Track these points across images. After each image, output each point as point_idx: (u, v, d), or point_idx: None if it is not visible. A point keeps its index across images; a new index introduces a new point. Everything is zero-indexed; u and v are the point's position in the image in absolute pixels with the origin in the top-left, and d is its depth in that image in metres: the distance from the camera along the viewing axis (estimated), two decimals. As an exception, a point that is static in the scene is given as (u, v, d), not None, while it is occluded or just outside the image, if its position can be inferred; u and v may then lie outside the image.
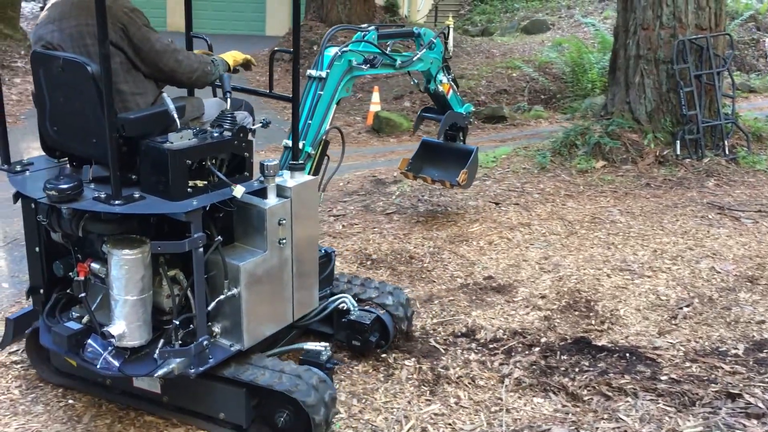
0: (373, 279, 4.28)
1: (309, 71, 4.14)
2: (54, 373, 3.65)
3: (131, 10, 3.03)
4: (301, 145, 3.76)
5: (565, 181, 7.02)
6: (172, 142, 2.84)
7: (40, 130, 3.25)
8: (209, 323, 3.12)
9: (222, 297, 3.06)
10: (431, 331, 4.35)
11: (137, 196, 2.86)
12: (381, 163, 9.05)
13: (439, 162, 6.01)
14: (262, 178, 3.18)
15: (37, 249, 3.32)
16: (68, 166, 3.30)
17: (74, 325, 3.17)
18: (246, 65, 3.69)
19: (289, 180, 3.30)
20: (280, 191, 3.22)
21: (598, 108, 11.63)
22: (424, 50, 5.11)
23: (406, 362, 4.01)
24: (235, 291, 3.07)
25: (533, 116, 12.65)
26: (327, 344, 3.57)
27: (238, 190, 2.97)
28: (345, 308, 3.91)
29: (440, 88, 5.55)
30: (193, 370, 2.98)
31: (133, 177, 2.96)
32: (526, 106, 13.46)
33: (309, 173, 3.90)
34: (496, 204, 6.49)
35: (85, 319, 3.18)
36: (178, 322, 2.99)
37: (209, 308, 3.05)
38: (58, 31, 3.04)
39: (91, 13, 2.70)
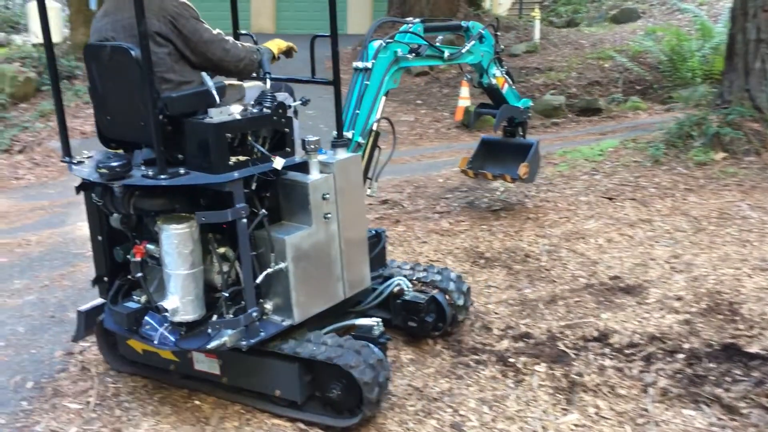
0: (426, 264, 4.26)
1: (355, 63, 4.17)
2: (122, 361, 3.79)
3: (180, 3, 3.13)
4: (350, 135, 3.91)
5: (683, 175, 6.60)
6: (212, 117, 2.96)
7: (96, 123, 3.37)
8: (261, 300, 3.19)
9: (270, 271, 3.12)
10: (558, 335, 4.08)
11: (182, 172, 2.97)
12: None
13: (499, 158, 5.92)
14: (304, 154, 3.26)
15: (99, 237, 3.47)
16: (122, 151, 3.39)
17: (133, 305, 3.29)
18: (288, 52, 3.77)
19: (332, 156, 3.36)
20: (323, 167, 3.27)
21: (702, 97, 11.05)
22: (474, 42, 5.03)
23: (536, 368, 3.77)
24: (282, 265, 3.12)
25: (630, 107, 12.11)
26: (379, 319, 3.57)
27: (278, 162, 3.07)
28: (399, 290, 3.90)
29: (494, 82, 5.44)
30: (244, 342, 3.06)
31: (180, 157, 3.05)
32: (621, 97, 12.91)
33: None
34: (610, 199, 6.14)
35: (143, 299, 3.29)
36: (227, 294, 3.07)
37: (257, 281, 3.12)
38: (111, 23, 3.17)
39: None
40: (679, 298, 4.32)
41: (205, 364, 3.43)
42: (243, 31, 4.03)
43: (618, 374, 3.66)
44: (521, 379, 3.69)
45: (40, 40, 13.78)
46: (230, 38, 3.33)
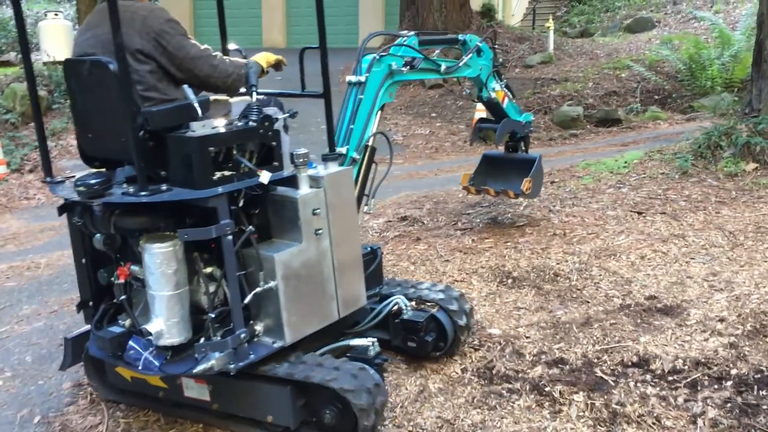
0: (424, 281, 4.12)
1: (348, 77, 4.10)
2: (110, 390, 3.67)
3: (167, 20, 3.06)
4: (344, 150, 3.85)
5: (713, 187, 6.35)
6: (194, 131, 2.85)
7: (78, 140, 3.28)
8: (250, 321, 3.07)
9: (259, 290, 3.00)
10: (595, 360, 3.84)
11: (164, 188, 2.86)
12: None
13: (501, 174, 5.81)
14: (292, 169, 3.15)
15: (83, 260, 3.35)
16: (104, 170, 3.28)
17: (118, 330, 3.18)
18: (277, 66, 3.68)
19: (322, 170, 3.25)
20: (313, 181, 3.17)
21: (729, 106, 10.79)
22: (471, 56, 4.97)
23: (575, 397, 3.52)
24: (272, 284, 3.01)
25: (650, 118, 11.87)
26: (374, 339, 3.46)
27: (265, 176, 2.95)
28: (398, 309, 3.76)
29: (493, 96, 5.37)
30: (233, 365, 2.93)
31: (163, 174, 2.95)
32: (639, 107, 12.67)
33: (356, 179, 3.88)
34: (639, 213, 5.89)
35: (127, 323, 3.18)
36: (213, 315, 2.96)
37: (246, 301, 3.00)
38: (92, 38, 3.09)
39: (125, 20, 2.80)
40: (721, 320, 4.07)
41: (194, 390, 3.31)
42: (232, 45, 3.91)
43: (662, 403, 3.41)
44: (558, 410, 3.45)
45: (51, 58, 13.77)
46: (218, 53, 3.26)
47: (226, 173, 2.91)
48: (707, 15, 15.33)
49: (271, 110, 3.38)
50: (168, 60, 3.04)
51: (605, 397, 3.50)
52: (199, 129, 2.86)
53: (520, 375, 3.79)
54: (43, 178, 3.35)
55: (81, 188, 2.91)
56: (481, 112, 12.09)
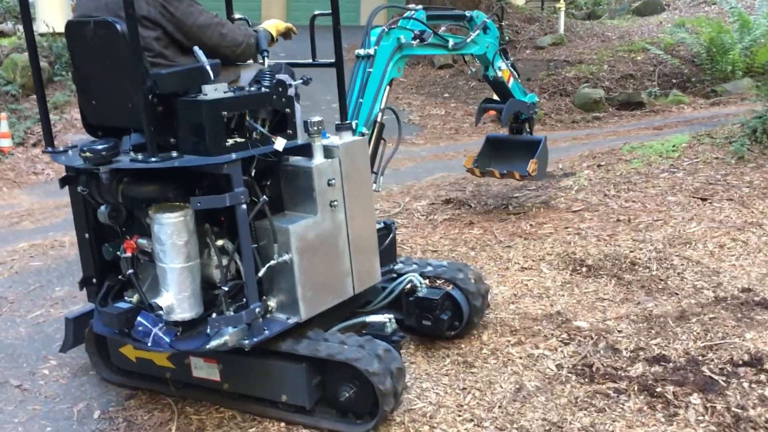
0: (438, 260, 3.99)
1: (357, 51, 4.01)
2: (115, 372, 3.52)
3: None
4: (354, 125, 3.63)
5: (775, 172, 6.09)
6: (206, 94, 2.70)
7: (81, 109, 3.14)
8: (264, 297, 2.96)
9: (273, 263, 2.88)
10: (700, 358, 3.55)
11: (175, 155, 2.73)
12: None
13: (506, 156, 5.70)
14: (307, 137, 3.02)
15: (86, 235, 3.20)
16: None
17: (125, 305, 3.02)
18: (287, 34, 3.58)
19: (337, 139, 3.12)
20: (328, 151, 3.04)
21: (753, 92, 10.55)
22: (478, 32, 4.88)
23: (691, 399, 3.23)
24: (286, 257, 2.89)
25: (672, 101, 11.60)
26: (391, 316, 3.32)
27: (279, 143, 2.84)
28: (411, 287, 3.63)
29: (499, 74, 5.27)
30: (247, 341, 2.80)
31: (172, 141, 2.81)
32: (658, 91, 12.41)
33: None
34: (703, 200, 5.61)
35: (135, 299, 3.03)
36: (227, 289, 2.82)
37: (260, 274, 2.88)
38: (94, 1, 2.94)
39: None
40: (830, 314, 3.80)
41: (203, 370, 3.17)
42: (237, 15, 3.73)
43: (787, 407, 3.13)
44: (674, 413, 3.16)
45: (49, 29, 13.20)
46: (227, 22, 3.13)
47: (239, 140, 2.78)
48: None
49: (283, 76, 3.19)
50: (175, 27, 2.90)
51: (719, 398, 3.22)
52: (211, 93, 2.71)
53: (620, 373, 3.50)
54: (44, 148, 3.17)
55: (87, 154, 2.75)
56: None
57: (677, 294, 4.18)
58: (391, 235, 3.72)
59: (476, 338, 3.86)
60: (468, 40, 4.79)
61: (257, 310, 2.83)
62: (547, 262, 4.75)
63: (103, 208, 2.99)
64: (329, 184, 3.01)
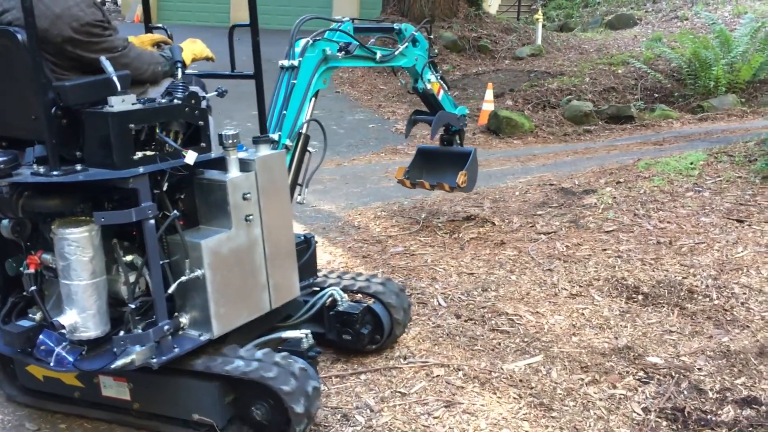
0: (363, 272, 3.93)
1: (281, 62, 3.98)
2: (21, 391, 3.36)
3: (82, 26, 2.73)
4: (277, 137, 3.74)
5: (803, 193, 5.92)
6: (112, 106, 2.61)
7: None
8: (176, 313, 2.86)
9: (185, 279, 2.79)
10: (797, 400, 3.28)
11: (79, 168, 2.63)
12: (537, 169, 7.98)
13: (436, 167, 5.74)
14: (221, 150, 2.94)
15: None
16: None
17: (28, 323, 2.91)
18: (207, 60, 3.51)
19: (253, 153, 3.05)
20: (244, 164, 2.96)
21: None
22: (407, 45, 4.90)
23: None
24: (199, 273, 2.80)
25: (660, 116, 11.52)
26: (307, 331, 3.25)
27: (190, 156, 2.74)
28: (332, 301, 3.62)
29: (429, 87, 5.29)
30: (155, 360, 2.72)
31: (78, 154, 2.70)
32: (642, 104, 12.35)
33: (288, 167, 3.77)
34: (740, 222, 5.40)
35: (38, 316, 2.90)
36: (134, 306, 2.73)
37: (170, 291, 2.79)
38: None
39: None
40: None
41: (113, 389, 3.07)
42: (158, 25, 3.71)
43: None
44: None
45: None
46: (132, 47, 2.98)
47: (148, 153, 2.69)
48: (709, 15, 15.12)
49: (195, 89, 3.10)
50: (79, 59, 2.78)
51: (828, 447, 2.94)
52: (117, 104, 2.61)
53: (710, 418, 3.20)
54: None
55: None
56: (489, 103, 11.56)
57: (748, 327, 3.92)
58: (310, 249, 3.65)
59: (546, 375, 3.53)
60: (396, 52, 4.80)
61: (166, 327, 2.75)
62: (597, 288, 4.45)
63: (6, 221, 2.86)
64: (244, 198, 2.93)
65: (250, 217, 2.96)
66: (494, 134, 10.79)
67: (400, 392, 3.40)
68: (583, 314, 4.15)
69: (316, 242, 3.73)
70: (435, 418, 3.20)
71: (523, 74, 14.32)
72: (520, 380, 3.48)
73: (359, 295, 3.86)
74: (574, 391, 3.40)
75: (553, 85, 12.96)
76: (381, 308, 3.65)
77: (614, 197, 6.08)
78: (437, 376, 3.54)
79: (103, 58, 2.72)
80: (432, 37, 5.12)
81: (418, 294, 4.48)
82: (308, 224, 6.07)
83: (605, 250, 5.04)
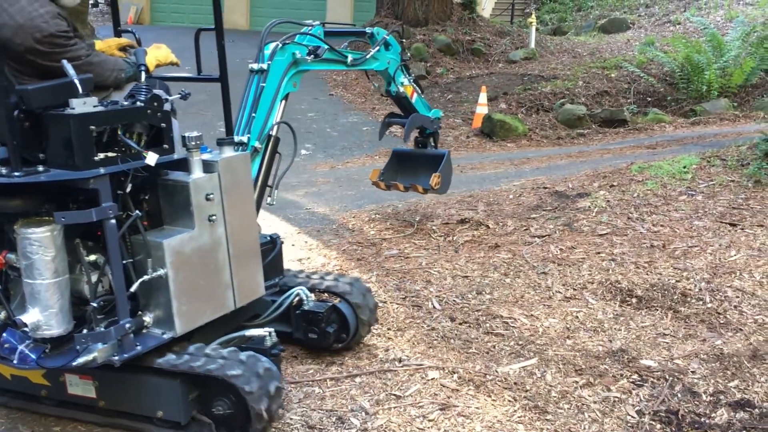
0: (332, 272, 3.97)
1: (250, 65, 4.03)
2: None
3: (45, 37, 2.78)
4: (246, 139, 3.80)
5: (795, 197, 5.95)
6: (74, 108, 2.67)
7: None
8: (139, 312, 2.92)
9: (147, 278, 2.84)
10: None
11: (41, 169, 2.69)
12: (531, 173, 8.00)
13: (411, 169, 5.80)
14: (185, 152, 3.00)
15: None
16: None
17: None
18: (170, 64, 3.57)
19: (217, 154, 3.11)
20: (207, 166, 3.02)
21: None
22: (379, 48, 4.97)
23: (795, 452, 2.96)
24: (161, 272, 2.86)
25: (653, 120, 11.58)
26: (271, 330, 3.31)
27: (151, 158, 2.81)
28: (299, 300, 3.67)
29: (402, 90, 5.32)
30: (117, 357, 2.77)
31: (41, 155, 2.75)
32: (635, 108, 12.41)
33: (258, 169, 3.87)
34: (732, 225, 5.42)
35: (2, 315, 2.93)
36: (95, 305, 2.80)
37: (132, 290, 2.84)
38: None
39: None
40: None
41: (79, 387, 3.12)
42: (127, 29, 3.74)
43: None
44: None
45: None
46: (95, 54, 3.05)
47: (110, 155, 2.75)
48: (701, 19, 15.21)
49: (158, 91, 3.17)
50: (41, 66, 2.83)
51: (821, 450, 2.96)
52: (79, 107, 2.67)
53: (704, 420, 3.22)
54: None
55: None
56: (483, 106, 11.58)
57: (741, 330, 3.94)
58: (276, 249, 3.69)
59: (540, 378, 3.54)
60: (368, 56, 4.85)
61: (128, 325, 2.80)
62: (591, 291, 4.47)
63: None
64: (207, 199, 2.99)
65: (213, 217, 3.03)
66: (488, 137, 10.82)
67: (395, 395, 3.41)
68: (577, 317, 4.16)
69: (282, 242, 3.77)
70: (430, 421, 3.20)
71: (516, 78, 14.36)
72: (515, 383, 3.49)
73: (326, 294, 3.89)
74: (569, 393, 3.41)
75: (546, 89, 13.00)
76: (347, 307, 3.69)
77: (608, 201, 6.10)
78: (432, 379, 3.54)
79: (65, 62, 2.78)
80: (404, 41, 5.28)
81: (412, 297, 4.49)
82: (302, 227, 6.07)
83: (599, 253, 5.06)
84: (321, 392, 3.44)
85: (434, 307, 4.35)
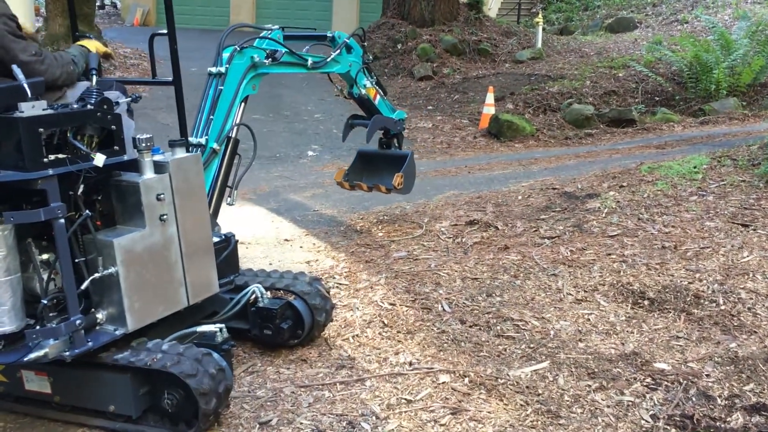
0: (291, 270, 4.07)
1: (209, 69, 4.07)
2: None
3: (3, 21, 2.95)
4: (203, 141, 3.88)
5: (809, 197, 5.89)
6: (23, 111, 2.74)
7: None
8: (92, 309, 3.00)
9: (97, 276, 2.93)
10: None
11: None
12: (539, 173, 7.96)
13: (375, 170, 5.86)
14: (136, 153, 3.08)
15: None
16: None
17: None
18: (106, 57, 3.70)
19: (168, 155, 3.19)
20: (158, 167, 3.10)
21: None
22: (340, 51, 5.05)
23: (813, 457, 2.92)
24: (112, 270, 2.94)
25: (662, 119, 11.51)
26: (222, 326, 3.40)
27: (99, 159, 2.87)
28: (255, 298, 3.76)
29: (364, 92, 5.42)
30: (68, 353, 2.84)
31: None
32: (643, 108, 12.35)
33: (217, 170, 3.94)
34: (744, 226, 5.37)
35: None
36: (46, 302, 2.87)
37: (83, 288, 2.92)
38: None
39: None
40: None
41: (35, 383, 3.20)
42: (85, 33, 3.85)
43: None
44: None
45: None
46: (46, 54, 3.17)
47: (60, 156, 2.81)
48: (710, 18, 15.12)
49: (113, 94, 3.30)
50: None
51: (839, 454, 2.91)
52: (28, 110, 2.74)
53: (720, 424, 3.17)
54: None
55: None
56: (490, 107, 11.53)
57: (756, 332, 3.89)
58: (230, 247, 3.73)
59: (553, 382, 3.49)
60: (329, 59, 4.91)
61: (78, 322, 2.86)
62: (602, 294, 4.42)
63: None
64: (158, 199, 3.06)
65: (165, 216, 3.10)
66: (495, 138, 10.77)
67: (405, 399, 3.37)
68: (589, 320, 4.12)
69: (237, 240, 3.82)
70: (442, 425, 3.17)
71: (523, 77, 14.31)
72: (527, 387, 3.45)
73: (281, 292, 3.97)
74: (582, 397, 3.37)
75: (553, 89, 12.94)
76: (302, 304, 3.78)
77: (618, 201, 6.05)
78: (443, 382, 3.51)
79: (14, 67, 2.86)
80: (366, 44, 5.33)
81: (422, 299, 4.45)
82: (310, 228, 6.04)
83: (610, 254, 5.01)
84: (331, 396, 3.40)
85: (444, 309, 4.31)
